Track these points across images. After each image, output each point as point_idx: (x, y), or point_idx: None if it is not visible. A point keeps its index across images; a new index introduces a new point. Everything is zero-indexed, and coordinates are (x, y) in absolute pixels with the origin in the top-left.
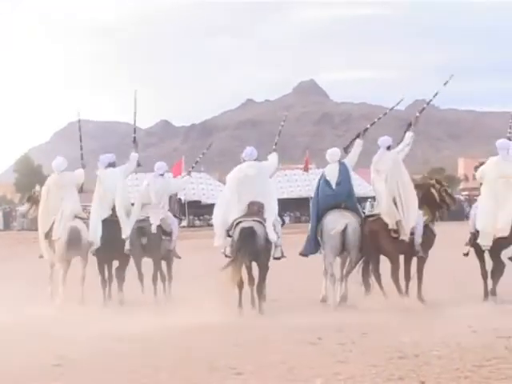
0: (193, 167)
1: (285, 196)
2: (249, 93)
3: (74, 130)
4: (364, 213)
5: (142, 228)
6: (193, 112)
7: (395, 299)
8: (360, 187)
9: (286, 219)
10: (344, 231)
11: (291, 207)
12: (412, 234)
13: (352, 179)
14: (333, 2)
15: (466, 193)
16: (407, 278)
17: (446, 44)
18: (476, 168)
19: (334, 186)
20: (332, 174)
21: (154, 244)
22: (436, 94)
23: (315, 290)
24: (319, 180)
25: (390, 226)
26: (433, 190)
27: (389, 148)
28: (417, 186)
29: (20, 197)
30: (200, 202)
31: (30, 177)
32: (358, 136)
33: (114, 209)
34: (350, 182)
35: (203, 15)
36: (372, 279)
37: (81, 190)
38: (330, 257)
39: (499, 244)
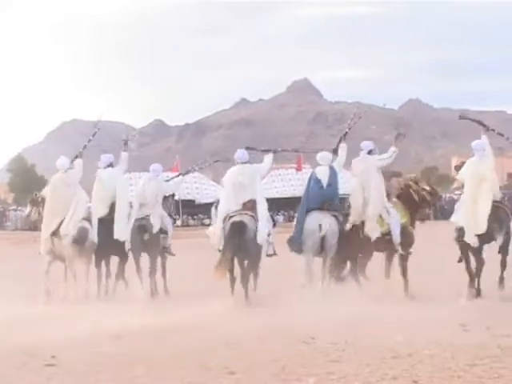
0: (186, 172)
1: (278, 195)
2: (243, 92)
3: (67, 129)
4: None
5: (143, 226)
6: (187, 111)
7: (387, 299)
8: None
9: (280, 218)
10: (323, 233)
11: (285, 206)
12: (389, 234)
13: (339, 183)
14: (327, 0)
15: (459, 192)
16: (387, 275)
17: (440, 43)
18: (456, 167)
19: (325, 186)
20: (323, 174)
21: (153, 241)
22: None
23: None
24: (309, 180)
25: (352, 223)
26: (411, 191)
27: (370, 152)
28: (398, 195)
29: (14, 196)
30: (194, 201)
31: (23, 177)
32: (340, 141)
33: (111, 207)
34: (337, 185)
35: (197, 14)
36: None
37: None
38: (309, 256)
39: (479, 241)
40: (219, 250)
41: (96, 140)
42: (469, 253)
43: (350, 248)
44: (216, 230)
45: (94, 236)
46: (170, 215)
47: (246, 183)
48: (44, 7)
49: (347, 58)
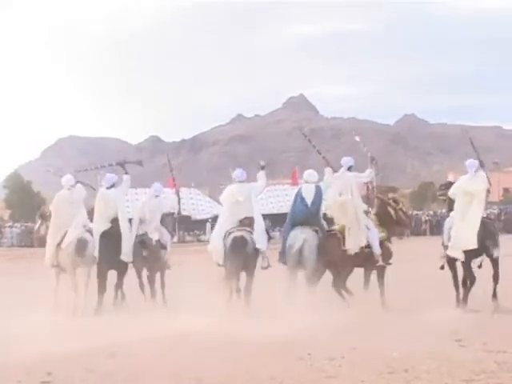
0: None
1: (275, 211)
2: (239, 108)
3: (63, 146)
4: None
5: (143, 241)
6: (183, 127)
7: (381, 313)
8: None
9: (276, 234)
10: (301, 247)
11: (281, 222)
12: (369, 247)
13: (323, 202)
14: (322, 17)
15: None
16: (366, 287)
17: (435, 58)
18: (441, 187)
19: (309, 204)
20: (308, 192)
21: (154, 256)
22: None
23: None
24: (295, 196)
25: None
26: (389, 209)
27: (349, 168)
28: (376, 206)
29: (10, 213)
30: (190, 217)
31: (19, 193)
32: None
33: (113, 222)
34: (321, 204)
35: (192, 30)
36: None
37: None
38: (290, 268)
39: (468, 256)
40: (219, 265)
41: (93, 157)
42: (455, 267)
43: (330, 261)
44: (217, 247)
45: (93, 249)
46: (170, 233)
47: (242, 201)
48: (40, 22)
49: (343, 74)
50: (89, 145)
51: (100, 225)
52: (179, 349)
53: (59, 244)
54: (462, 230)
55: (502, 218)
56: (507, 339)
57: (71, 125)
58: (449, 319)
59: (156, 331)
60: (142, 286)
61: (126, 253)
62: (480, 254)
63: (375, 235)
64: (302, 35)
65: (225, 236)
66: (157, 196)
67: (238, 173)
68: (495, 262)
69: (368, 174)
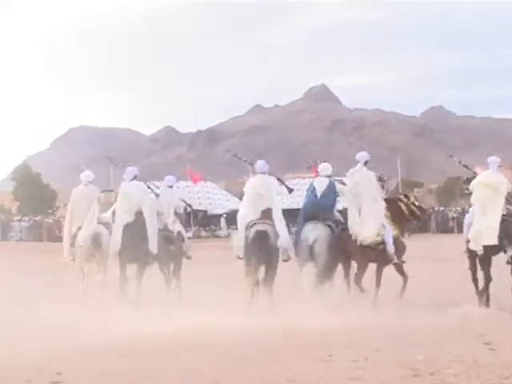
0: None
1: (294, 206)
2: (257, 98)
3: (74, 136)
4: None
5: (167, 236)
6: (199, 118)
7: (406, 313)
8: None
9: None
10: (312, 243)
11: None
12: (383, 243)
13: (336, 197)
14: (345, 5)
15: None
16: (377, 284)
17: (464, 46)
18: (465, 181)
19: (318, 196)
20: (320, 185)
21: (178, 250)
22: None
23: (325, 303)
24: (308, 189)
25: (353, 237)
26: (400, 204)
27: (366, 163)
28: (386, 201)
29: (18, 205)
30: (206, 211)
31: (28, 185)
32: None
33: (136, 214)
34: (335, 198)
35: (211, 17)
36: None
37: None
38: (300, 265)
39: (487, 251)
40: (239, 257)
41: (103, 147)
42: (476, 263)
43: (344, 257)
44: (238, 239)
45: (109, 243)
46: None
47: (263, 193)
48: (47, 10)
49: (367, 63)
50: (99, 135)
51: (123, 217)
52: (193, 350)
53: (74, 239)
54: (483, 224)
55: None
56: None
57: (82, 115)
58: (476, 321)
59: (171, 329)
60: (168, 280)
61: (153, 244)
62: (499, 251)
63: (390, 233)
64: (323, 23)
65: (246, 227)
66: (170, 187)
67: (260, 164)
68: None
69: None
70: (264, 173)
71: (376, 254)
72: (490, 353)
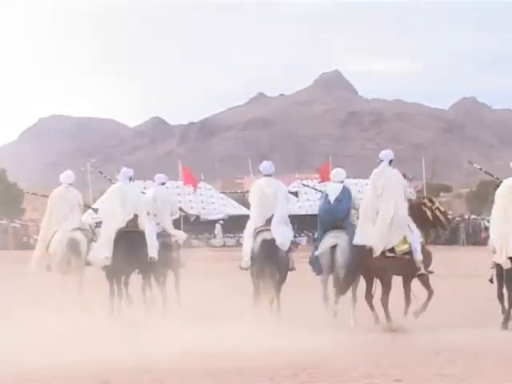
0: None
1: (302, 212)
2: (260, 86)
3: (45, 126)
4: None
5: (166, 243)
6: (191, 108)
7: (430, 335)
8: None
9: (303, 240)
10: (333, 251)
11: (309, 225)
12: (409, 253)
13: (352, 202)
14: None
15: None
16: (407, 300)
17: (500, 30)
18: (495, 188)
19: (331, 202)
20: (333, 191)
21: (178, 258)
22: None
23: (340, 325)
24: (321, 196)
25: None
26: (425, 209)
27: (390, 163)
28: (410, 208)
29: None
30: (198, 216)
31: None
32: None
33: (130, 220)
34: (350, 202)
35: None
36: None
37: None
38: (323, 276)
39: None
40: (242, 268)
41: (79, 141)
42: (502, 276)
43: (367, 270)
44: (244, 247)
45: (86, 250)
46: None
47: (270, 196)
48: None
49: (388, 47)
50: (75, 126)
51: (115, 223)
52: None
53: (48, 245)
54: (508, 233)
55: None
56: None
57: (55, 102)
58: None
59: (167, 344)
60: (163, 292)
61: (152, 249)
62: None
63: (417, 238)
64: (338, 1)
65: (253, 234)
66: (163, 183)
67: (265, 165)
68: None
69: (412, 192)
70: (270, 175)
71: (402, 264)
72: None
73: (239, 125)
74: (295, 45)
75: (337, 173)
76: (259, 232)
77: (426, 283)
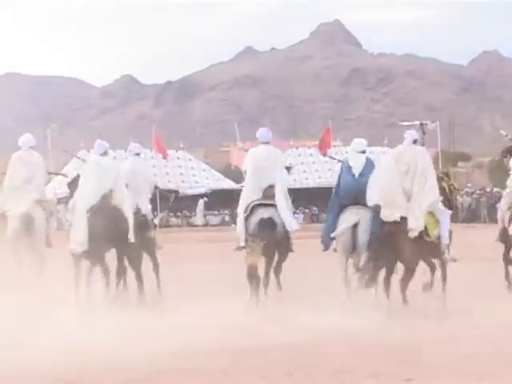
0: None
1: (297, 186)
2: (248, 38)
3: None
4: None
5: (143, 222)
6: (168, 65)
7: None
8: None
9: (299, 217)
10: (354, 229)
11: (305, 201)
12: (438, 237)
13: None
14: None
15: None
16: (429, 288)
17: None
18: (503, 153)
19: (356, 175)
20: (357, 163)
21: (154, 239)
22: None
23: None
24: (341, 167)
25: (389, 219)
26: (443, 184)
27: (415, 142)
28: None
29: None
30: (177, 192)
31: None
32: None
33: (105, 195)
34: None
35: None
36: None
37: None
38: (341, 257)
39: None
40: (238, 248)
41: (39, 103)
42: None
43: (394, 254)
44: (239, 225)
45: (43, 227)
46: None
47: (268, 166)
48: None
49: None
50: (33, 86)
51: (88, 198)
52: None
53: (4, 213)
54: None
55: None
56: None
57: (10, 59)
58: None
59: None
60: (123, 272)
61: (131, 232)
62: None
63: (447, 219)
64: None
65: (246, 209)
66: (137, 154)
67: (262, 132)
68: None
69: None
70: (267, 142)
71: (431, 248)
72: None
73: (224, 84)
74: None
75: (357, 143)
76: (255, 207)
77: (445, 272)
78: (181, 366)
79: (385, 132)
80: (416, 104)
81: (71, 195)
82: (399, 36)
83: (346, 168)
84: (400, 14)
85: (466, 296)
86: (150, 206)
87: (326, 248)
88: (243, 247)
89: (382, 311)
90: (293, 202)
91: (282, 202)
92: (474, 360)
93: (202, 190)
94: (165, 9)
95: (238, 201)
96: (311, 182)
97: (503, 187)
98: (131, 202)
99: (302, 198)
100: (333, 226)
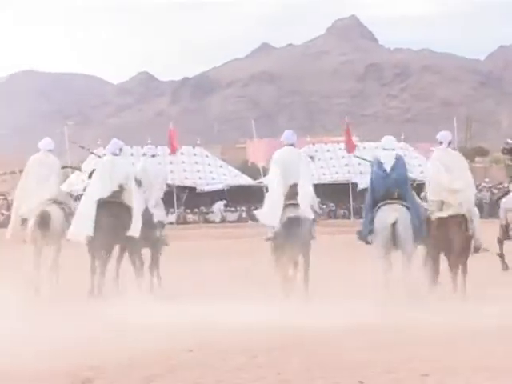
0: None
1: (314, 181)
2: (264, 35)
3: (16, 84)
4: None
5: (149, 221)
6: (185, 62)
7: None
8: (421, 168)
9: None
10: (394, 226)
11: (322, 197)
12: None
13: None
14: None
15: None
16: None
17: None
18: (504, 150)
19: (388, 170)
20: (388, 158)
21: (160, 238)
22: None
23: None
24: (372, 165)
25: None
26: None
27: (449, 144)
28: None
29: None
30: (195, 188)
31: None
32: None
33: (116, 191)
34: (406, 171)
35: None
36: None
37: None
38: (379, 253)
39: None
40: (269, 239)
41: (56, 100)
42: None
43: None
44: (268, 221)
45: (61, 224)
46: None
47: (294, 165)
48: None
49: None
50: (51, 84)
51: (97, 192)
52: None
53: (23, 215)
54: None
55: None
56: None
57: (28, 56)
58: None
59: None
60: (139, 273)
61: (137, 227)
62: None
63: (477, 212)
64: None
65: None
66: (153, 156)
67: (287, 135)
68: None
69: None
70: (292, 144)
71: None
72: None
73: (240, 81)
74: None
75: (387, 140)
76: (284, 207)
77: (466, 266)
78: (197, 363)
79: (401, 127)
80: (432, 99)
81: None
82: (416, 31)
83: (377, 164)
84: (416, 8)
85: (487, 291)
86: (158, 211)
87: (366, 242)
88: (271, 239)
89: (399, 307)
90: None
91: (305, 195)
92: (490, 356)
93: (220, 187)
94: (181, 6)
95: (254, 197)
96: (328, 177)
97: None
98: (141, 201)
99: (318, 194)
100: (371, 222)
